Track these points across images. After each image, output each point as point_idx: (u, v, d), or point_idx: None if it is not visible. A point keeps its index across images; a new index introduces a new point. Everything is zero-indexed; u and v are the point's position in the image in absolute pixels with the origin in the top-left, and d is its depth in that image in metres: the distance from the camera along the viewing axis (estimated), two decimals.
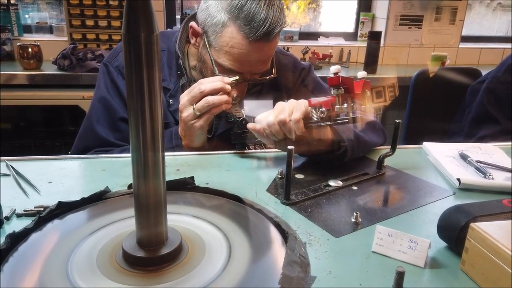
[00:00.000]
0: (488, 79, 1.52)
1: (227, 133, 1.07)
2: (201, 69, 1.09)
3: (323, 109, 0.83)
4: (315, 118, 0.86)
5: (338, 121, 0.83)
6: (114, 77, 1.11)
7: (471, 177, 0.88)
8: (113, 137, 1.08)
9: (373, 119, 1.13)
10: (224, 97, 0.94)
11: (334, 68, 0.81)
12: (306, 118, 0.87)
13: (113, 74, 1.11)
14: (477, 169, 0.92)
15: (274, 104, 0.92)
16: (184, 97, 0.96)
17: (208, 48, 1.03)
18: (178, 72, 1.12)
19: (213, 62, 1.02)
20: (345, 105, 0.81)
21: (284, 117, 0.86)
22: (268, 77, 1.08)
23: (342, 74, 0.82)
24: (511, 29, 3.30)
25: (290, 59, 1.26)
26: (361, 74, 0.82)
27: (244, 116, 1.00)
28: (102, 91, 1.11)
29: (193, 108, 0.94)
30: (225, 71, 1.02)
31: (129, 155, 0.52)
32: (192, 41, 1.10)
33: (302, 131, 0.85)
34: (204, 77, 1.06)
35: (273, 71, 1.09)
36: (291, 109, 0.87)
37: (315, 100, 0.86)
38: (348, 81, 0.81)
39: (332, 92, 0.82)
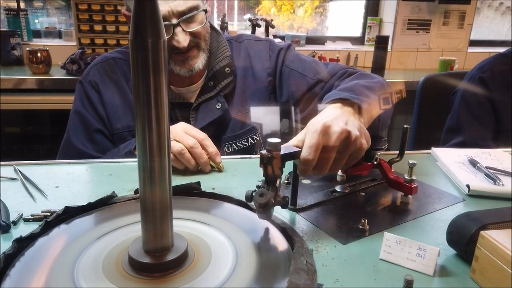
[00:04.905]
0: (462, 89, 1.47)
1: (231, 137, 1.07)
2: None
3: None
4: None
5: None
6: (88, 91, 1.14)
7: (480, 183, 0.87)
8: (92, 149, 1.10)
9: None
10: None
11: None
12: None
13: (87, 89, 1.14)
14: (487, 175, 0.90)
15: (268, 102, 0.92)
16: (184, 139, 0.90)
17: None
18: None
19: None
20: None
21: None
22: (195, 12, 1.02)
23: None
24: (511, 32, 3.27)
25: (265, 43, 1.22)
26: None
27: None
28: (77, 106, 1.15)
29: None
30: None
31: (135, 160, 0.52)
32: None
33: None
34: None
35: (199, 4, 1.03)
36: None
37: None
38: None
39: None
